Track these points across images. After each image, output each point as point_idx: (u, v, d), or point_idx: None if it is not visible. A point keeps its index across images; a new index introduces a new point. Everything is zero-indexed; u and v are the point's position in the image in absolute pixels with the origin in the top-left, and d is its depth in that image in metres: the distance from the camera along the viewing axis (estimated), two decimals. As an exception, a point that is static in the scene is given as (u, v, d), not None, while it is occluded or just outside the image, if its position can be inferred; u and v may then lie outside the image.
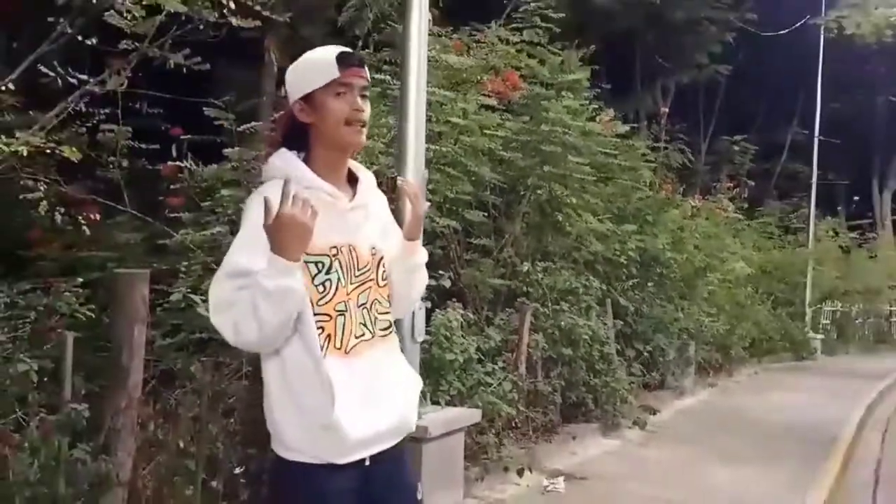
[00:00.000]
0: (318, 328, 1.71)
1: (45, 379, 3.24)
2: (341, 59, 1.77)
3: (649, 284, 8.54)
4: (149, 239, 5.17)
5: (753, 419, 7.99)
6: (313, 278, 1.72)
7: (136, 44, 4.37)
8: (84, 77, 4.29)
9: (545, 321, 6.23)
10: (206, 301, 3.44)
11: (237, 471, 3.56)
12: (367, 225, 1.85)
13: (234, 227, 4.55)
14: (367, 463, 1.78)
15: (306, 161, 1.80)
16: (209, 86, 6.90)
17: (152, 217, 5.14)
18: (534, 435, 5.69)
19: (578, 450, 5.98)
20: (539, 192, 6.84)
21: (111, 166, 5.10)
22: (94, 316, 4.13)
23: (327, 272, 1.74)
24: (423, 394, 4.38)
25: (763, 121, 19.17)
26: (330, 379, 1.69)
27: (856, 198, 23.69)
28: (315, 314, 1.71)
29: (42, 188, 4.25)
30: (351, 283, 1.78)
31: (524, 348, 5.84)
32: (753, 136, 17.76)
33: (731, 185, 15.31)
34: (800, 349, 15.03)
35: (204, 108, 5.11)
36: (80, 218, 4.57)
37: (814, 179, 17.95)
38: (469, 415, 4.62)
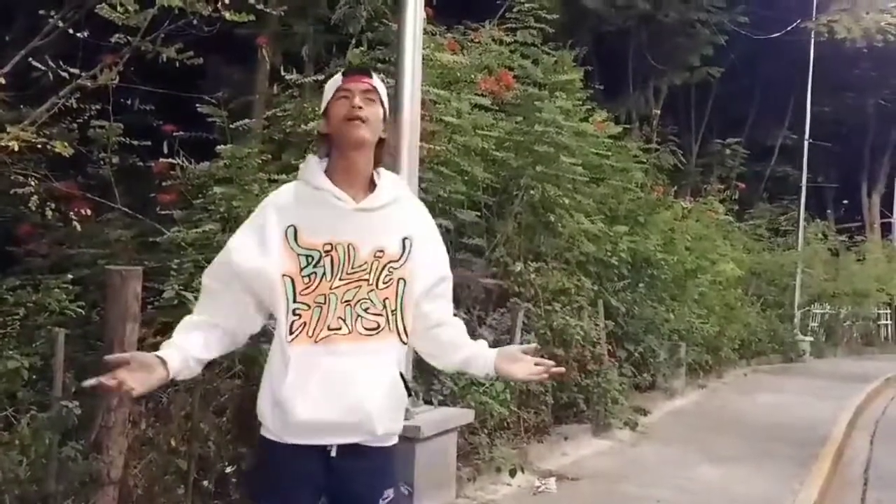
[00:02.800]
0: (296, 315, 1.84)
1: (35, 376, 3.21)
2: (346, 72, 1.97)
3: (640, 285, 8.55)
4: (140, 236, 5.13)
5: (743, 420, 8.02)
6: (301, 269, 1.85)
7: (129, 38, 4.34)
8: (75, 71, 4.25)
9: (537, 321, 6.23)
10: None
11: (229, 470, 3.53)
12: (376, 228, 1.92)
13: (226, 224, 4.53)
14: (333, 454, 1.87)
15: (327, 168, 1.94)
16: (202, 82, 6.88)
17: (143, 214, 5.10)
18: (525, 435, 5.68)
19: (570, 450, 5.99)
20: (532, 192, 6.84)
21: (102, 162, 5.06)
22: (83, 313, 4.11)
23: (315, 265, 1.86)
24: (415, 393, 4.38)
25: (754, 123, 19.25)
26: (288, 359, 1.83)
27: (845, 201, 23.84)
28: (297, 302, 1.85)
29: (32, 183, 4.21)
30: (339, 279, 1.87)
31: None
32: (744, 138, 17.85)
33: (722, 187, 15.36)
34: (788, 351, 15.12)
35: (196, 105, 5.08)
36: (70, 214, 4.54)
37: (803, 182, 18.04)
38: (461, 415, 4.61)
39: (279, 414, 1.84)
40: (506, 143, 6.74)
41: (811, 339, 16.62)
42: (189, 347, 1.84)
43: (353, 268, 1.87)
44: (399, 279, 1.91)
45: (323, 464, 1.88)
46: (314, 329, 1.84)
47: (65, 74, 4.20)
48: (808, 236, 18.01)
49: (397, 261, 1.91)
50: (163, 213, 4.80)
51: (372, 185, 1.96)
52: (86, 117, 4.73)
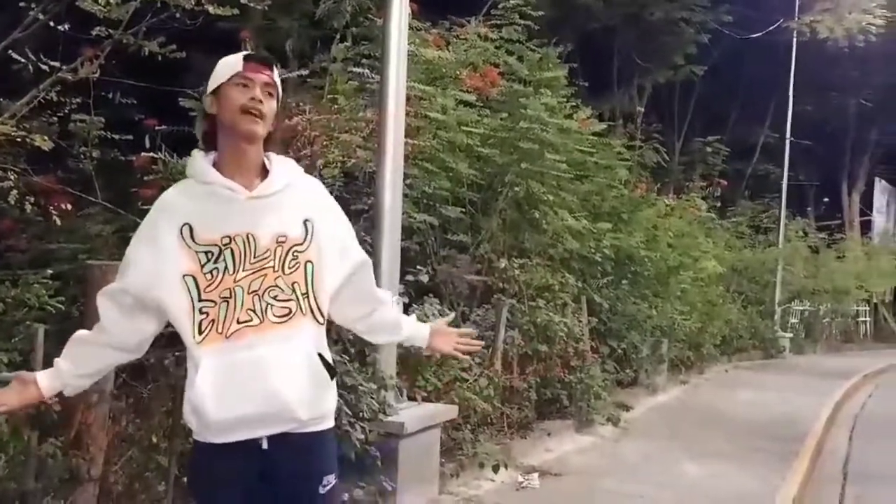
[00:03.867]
0: (203, 314, 1.82)
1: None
2: (247, 57, 1.92)
3: (623, 282, 8.60)
4: (121, 231, 5.08)
5: (725, 416, 8.08)
6: (202, 266, 1.82)
7: (110, 31, 4.30)
8: (56, 64, 4.20)
9: (521, 317, 6.24)
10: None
11: (210, 466, 3.51)
12: (274, 214, 1.89)
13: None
14: (265, 446, 1.85)
15: (216, 161, 1.91)
16: (184, 76, 6.80)
17: (124, 209, 5.05)
18: (509, 431, 5.70)
19: (553, 446, 6.01)
20: (516, 188, 6.85)
21: (83, 157, 5.01)
22: (63, 308, 4.06)
23: (216, 261, 1.83)
24: (399, 389, 4.38)
25: (736, 121, 19.36)
26: (199, 359, 1.80)
27: (825, 199, 24.05)
28: (202, 300, 1.82)
29: (12, 178, 4.15)
30: (243, 270, 1.84)
31: (500, 344, 5.84)
32: (727, 136, 17.94)
33: (704, 184, 15.46)
34: (769, 347, 15.26)
35: (179, 99, 5.04)
36: (50, 208, 4.48)
37: (784, 180, 18.21)
38: (445, 411, 4.61)
39: (197, 416, 1.82)
40: (490, 139, 6.74)
41: (791, 335, 16.78)
42: (66, 369, 1.92)
43: (255, 257, 1.84)
44: (306, 262, 1.89)
45: (256, 459, 1.86)
46: (223, 325, 1.81)
47: (45, 67, 4.14)
48: (788, 234, 18.19)
49: (301, 244, 1.89)
50: (144, 207, 4.74)
51: (264, 173, 1.93)
52: (66, 111, 4.67)
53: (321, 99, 5.91)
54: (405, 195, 4.86)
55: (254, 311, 1.83)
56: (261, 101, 1.87)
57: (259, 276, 1.84)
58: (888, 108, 22.43)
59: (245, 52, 1.95)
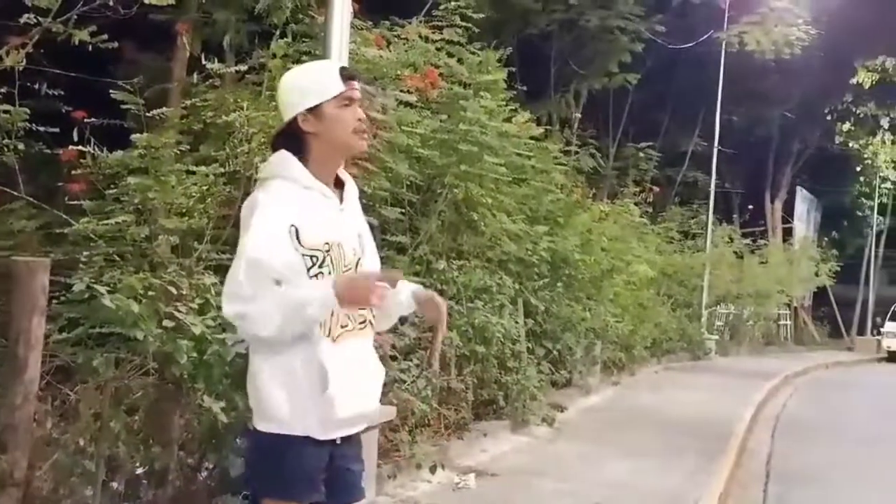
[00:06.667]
0: None
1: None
2: (344, 75, 1.99)
3: (559, 285, 8.72)
4: (45, 227, 4.88)
5: (654, 416, 8.30)
6: (308, 270, 1.89)
7: (39, 19, 4.13)
8: (-21, 52, 4.02)
9: (459, 319, 6.26)
10: (111, 292, 3.31)
11: (140, 471, 3.41)
12: (352, 226, 2.03)
13: (140, 216, 4.37)
14: (338, 442, 1.98)
15: (307, 163, 1.97)
16: (116, 68, 6.60)
17: (50, 204, 4.86)
18: (446, 432, 5.71)
19: (489, 446, 6.05)
20: (455, 190, 6.86)
21: (6, 149, 4.79)
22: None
23: (320, 266, 1.90)
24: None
25: (668, 129, 19.90)
26: (322, 361, 1.88)
27: (750, 206, 24.96)
28: None
29: (-72, 169, 3.95)
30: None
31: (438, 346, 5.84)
32: (659, 143, 18.43)
33: (637, 190, 15.84)
34: (696, 349, 15.74)
35: (110, 91, 4.87)
36: (-30, 203, 4.28)
37: (712, 187, 18.84)
38: (383, 412, 4.58)
39: (320, 413, 1.89)
40: (430, 141, 6.74)
41: (717, 337, 17.38)
42: None
43: (345, 266, 1.95)
44: None
45: (331, 452, 1.97)
46: (329, 329, 1.92)
47: (-34, 54, 3.96)
48: (715, 239, 18.81)
49: (364, 255, 2.03)
50: (71, 203, 4.59)
51: (337, 184, 2.02)
52: (-11, 101, 4.47)
53: (260, 95, 5.81)
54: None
55: (349, 317, 1.95)
56: (365, 120, 1.99)
57: None
58: (809, 120, 23.48)
59: (338, 68, 2.05)
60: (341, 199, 2.02)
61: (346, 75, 1.99)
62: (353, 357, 1.96)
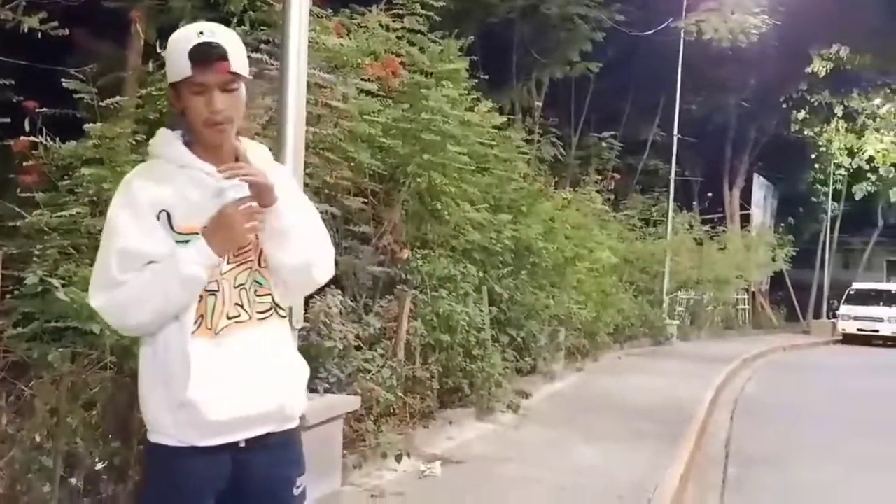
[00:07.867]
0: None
1: None
2: (194, 56, 1.68)
3: (522, 273, 8.77)
4: (-5, 219, 4.76)
5: (617, 401, 8.41)
6: None
7: (-15, 5, 4.01)
8: (-77, 39, 3.89)
9: (424, 308, 6.27)
10: (66, 286, 3.25)
11: (99, 466, 3.35)
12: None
13: (95, 207, 4.28)
14: (242, 445, 1.76)
15: (187, 142, 1.77)
16: (68, 56, 6.43)
17: (1, 196, 4.73)
18: (411, 421, 5.72)
19: (455, 434, 6.08)
20: (418, 179, 6.84)
21: (-47, 139, 4.66)
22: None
23: None
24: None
25: (628, 118, 20.09)
26: (189, 357, 1.67)
27: (709, 194, 25.33)
28: None
29: None
30: (227, 263, 1.74)
31: (403, 335, 5.85)
32: (620, 132, 18.59)
33: (599, 178, 15.98)
34: (658, 335, 15.98)
35: (62, 80, 4.75)
36: (-83, 195, 4.15)
37: (672, 175, 19.11)
38: (348, 402, 4.57)
39: (187, 417, 1.68)
40: (392, 130, 6.71)
41: (678, 322, 17.66)
42: None
43: (238, 249, 1.75)
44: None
45: (232, 459, 1.76)
46: (212, 320, 1.72)
47: None
48: (676, 226, 19.09)
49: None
50: (23, 195, 4.48)
51: (236, 156, 1.78)
52: (-65, 90, 4.34)
53: (217, 84, 5.71)
54: (306, 184, 4.77)
55: (241, 307, 1.75)
56: (219, 111, 1.70)
57: (243, 270, 1.77)
58: (765, 108, 23.88)
59: (191, 45, 1.68)
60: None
61: (199, 57, 1.67)
62: (245, 352, 1.73)
